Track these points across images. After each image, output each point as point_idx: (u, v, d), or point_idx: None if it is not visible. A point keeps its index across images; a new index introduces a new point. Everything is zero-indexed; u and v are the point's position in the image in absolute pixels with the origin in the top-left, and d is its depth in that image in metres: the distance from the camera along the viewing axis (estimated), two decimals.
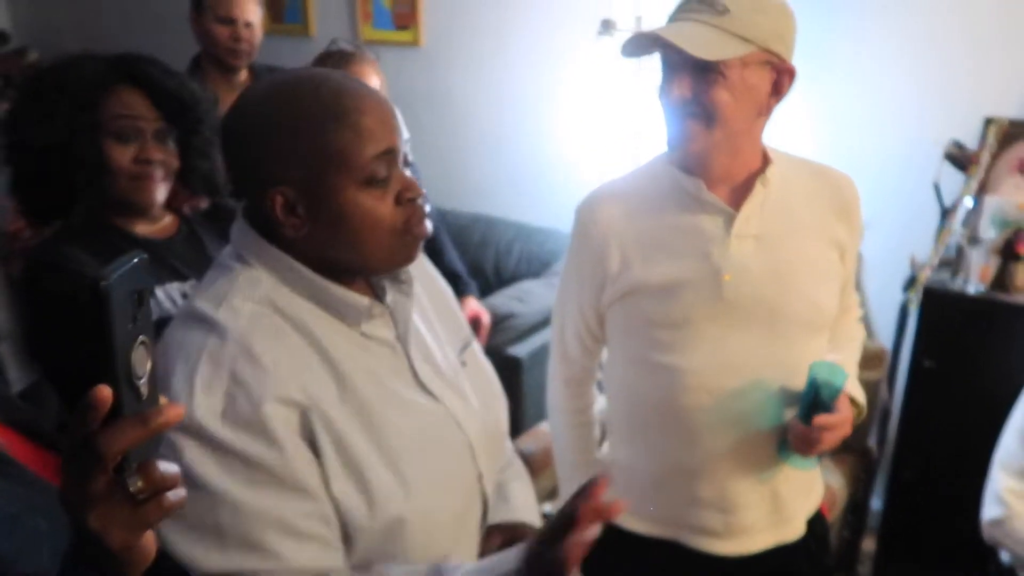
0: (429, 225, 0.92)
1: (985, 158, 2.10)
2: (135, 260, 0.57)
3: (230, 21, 2.15)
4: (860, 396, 1.26)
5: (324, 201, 0.84)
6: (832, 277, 1.25)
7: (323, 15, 3.56)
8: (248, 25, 2.17)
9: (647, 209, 1.23)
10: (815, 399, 1.13)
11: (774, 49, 1.11)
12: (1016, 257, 2.04)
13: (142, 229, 1.37)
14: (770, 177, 1.20)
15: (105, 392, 0.54)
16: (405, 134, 0.90)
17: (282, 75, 0.90)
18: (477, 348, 1.11)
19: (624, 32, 2.55)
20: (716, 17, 1.08)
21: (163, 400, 0.60)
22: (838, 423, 1.15)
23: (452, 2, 3.19)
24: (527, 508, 1.10)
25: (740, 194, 1.20)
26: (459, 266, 2.36)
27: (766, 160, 1.22)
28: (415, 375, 0.93)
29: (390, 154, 0.85)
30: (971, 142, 2.18)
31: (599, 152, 2.82)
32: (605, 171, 2.79)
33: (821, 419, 1.13)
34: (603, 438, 1.49)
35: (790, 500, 1.30)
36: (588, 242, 1.26)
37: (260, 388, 0.81)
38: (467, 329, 1.10)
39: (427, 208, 0.91)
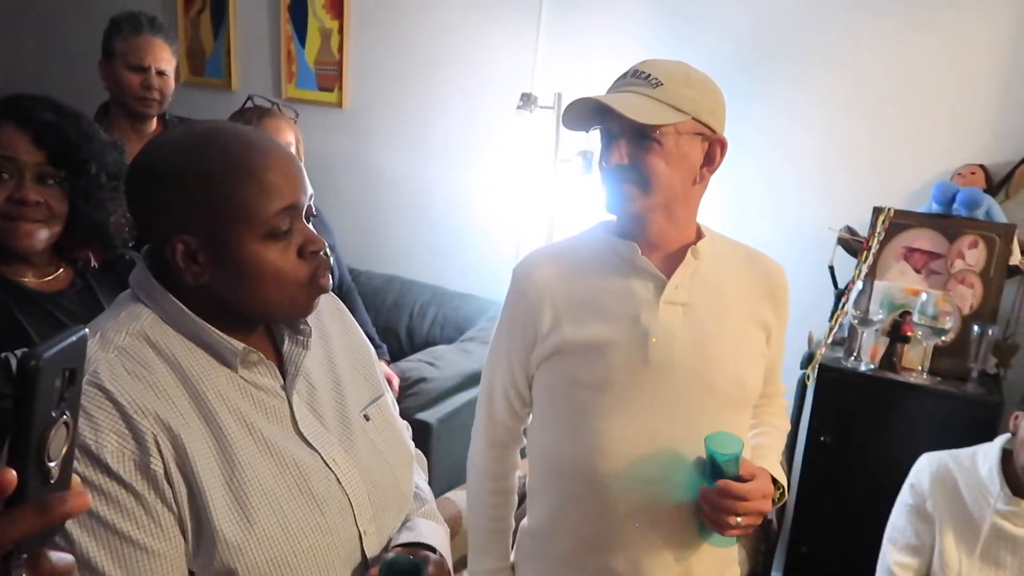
0: (330, 279, 0.93)
1: (874, 244, 2.23)
2: (74, 338, 0.55)
3: (142, 69, 2.10)
4: (781, 477, 1.27)
5: (226, 252, 0.86)
6: (756, 356, 1.28)
7: (245, 70, 3.55)
8: (161, 74, 2.13)
9: (582, 272, 1.26)
10: (714, 469, 1.14)
11: (705, 120, 1.17)
12: (903, 338, 2.16)
13: (30, 280, 1.30)
14: (701, 249, 1.24)
15: (9, 476, 0.51)
16: (310, 190, 0.93)
17: (193, 125, 0.93)
18: (389, 404, 1.10)
19: (544, 108, 2.62)
20: (651, 89, 1.15)
21: (74, 483, 0.57)
22: (746, 492, 1.13)
23: (378, 67, 3.23)
24: (435, 539, 1.07)
25: (672, 263, 1.24)
26: (369, 328, 2.32)
27: (699, 234, 1.27)
28: (295, 426, 0.93)
29: (293, 209, 0.88)
30: (863, 229, 2.32)
31: (517, 221, 2.87)
32: (522, 239, 2.83)
33: (725, 483, 1.12)
34: (521, 505, 1.46)
35: None
36: (523, 302, 1.27)
37: (105, 422, 0.80)
38: (380, 386, 1.10)
39: (331, 261, 0.93)
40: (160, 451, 0.81)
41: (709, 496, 1.15)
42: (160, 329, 0.88)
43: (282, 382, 0.94)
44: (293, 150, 2.10)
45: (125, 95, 2.13)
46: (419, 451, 1.25)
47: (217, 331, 0.89)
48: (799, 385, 2.31)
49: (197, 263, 0.86)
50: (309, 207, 0.92)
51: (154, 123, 2.20)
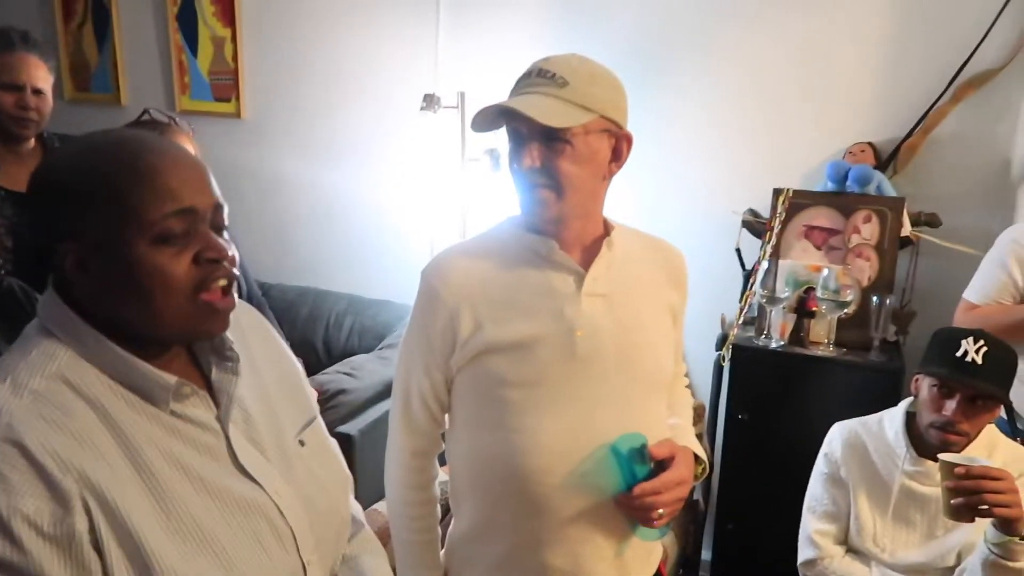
0: (236, 298, 0.88)
1: (776, 225, 2.30)
2: None
3: (16, 88, 1.97)
4: (702, 453, 1.32)
5: (115, 257, 0.81)
6: (669, 340, 1.32)
7: (135, 84, 3.40)
8: (37, 92, 2.01)
9: (497, 270, 1.24)
10: (628, 464, 1.16)
11: (612, 117, 1.18)
12: (809, 314, 2.24)
13: None
14: (615, 240, 1.26)
15: None
16: (219, 198, 0.88)
17: (91, 135, 0.88)
18: (321, 426, 1.07)
19: (447, 107, 2.60)
20: (558, 89, 1.15)
21: None
22: (659, 486, 1.17)
23: (275, 74, 3.15)
24: None
25: (588, 255, 1.25)
26: None
27: (607, 226, 1.29)
28: (234, 459, 0.89)
29: (190, 213, 0.83)
30: (766, 211, 2.40)
31: (429, 222, 2.84)
32: (436, 241, 2.81)
33: (641, 487, 1.16)
34: (445, 514, 1.44)
35: (634, 566, 1.31)
36: (438, 305, 1.24)
37: (20, 484, 0.73)
38: (312, 406, 1.07)
39: (235, 272, 0.87)
40: (89, 513, 0.75)
41: (625, 501, 1.18)
42: (79, 368, 0.82)
43: (216, 412, 0.89)
44: None
45: None
46: None
47: (145, 363, 0.83)
48: (715, 366, 2.36)
49: (87, 271, 0.82)
50: (219, 216, 0.87)
51: (32, 143, 2.07)
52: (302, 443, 0.99)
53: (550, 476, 1.20)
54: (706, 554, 2.57)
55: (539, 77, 1.17)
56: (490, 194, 2.59)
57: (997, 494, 1.41)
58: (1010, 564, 1.47)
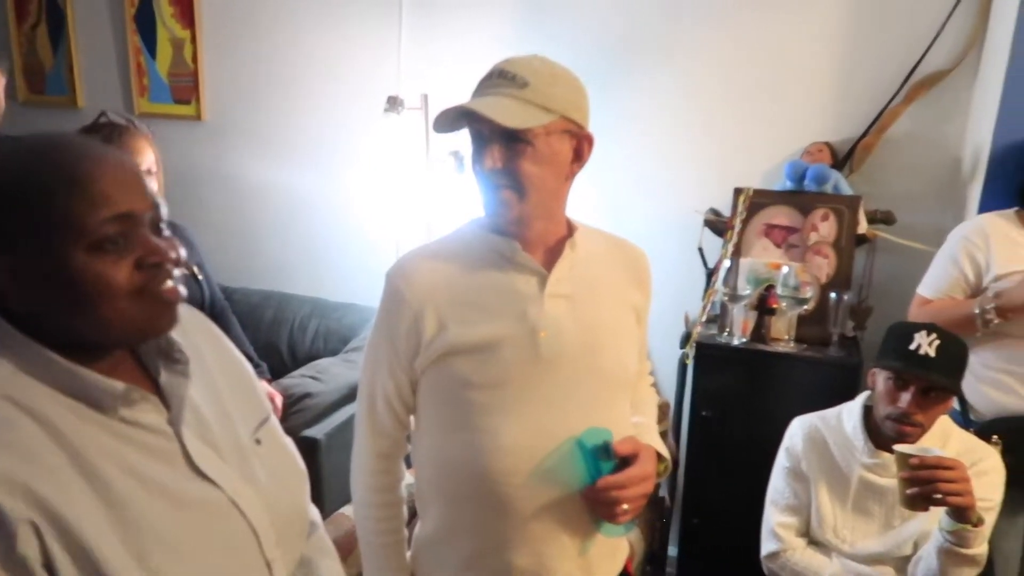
0: (183, 289, 0.86)
1: (737, 223, 2.34)
2: None
3: None
4: (664, 451, 1.32)
5: (51, 269, 0.78)
6: (631, 339, 1.33)
7: (92, 86, 3.34)
8: None
9: (461, 272, 1.25)
10: (593, 460, 1.18)
11: (573, 117, 1.19)
12: (769, 311, 2.28)
13: None
14: (578, 241, 1.27)
15: None
16: (155, 199, 0.86)
17: (19, 139, 0.83)
18: (275, 424, 1.06)
19: (411, 109, 2.60)
20: (518, 90, 1.15)
21: None
22: (623, 481, 1.18)
23: (237, 76, 3.11)
24: None
25: (551, 256, 1.26)
26: (246, 347, 2.23)
27: (570, 226, 1.30)
28: (189, 461, 0.87)
29: (128, 218, 0.80)
30: (727, 210, 2.43)
31: (393, 224, 2.84)
32: (400, 243, 2.80)
33: (603, 481, 1.17)
34: (412, 516, 1.44)
35: (598, 563, 1.32)
36: (402, 307, 1.24)
37: None
38: (265, 405, 1.05)
39: (179, 272, 0.85)
40: (40, 536, 0.72)
41: (590, 494, 1.19)
42: (19, 382, 0.78)
43: (167, 416, 0.87)
44: (153, 168, 2.00)
45: None
46: None
47: (90, 372, 0.80)
48: (680, 364, 2.39)
49: (21, 283, 0.78)
50: (156, 218, 0.85)
51: None
52: (258, 442, 0.98)
53: (514, 477, 1.21)
54: (672, 550, 2.59)
55: (500, 78, 1.18)
56: (454, 196, 2.59)
57: (950, 483, 1.45)
58: (963, 551, 1.52)
